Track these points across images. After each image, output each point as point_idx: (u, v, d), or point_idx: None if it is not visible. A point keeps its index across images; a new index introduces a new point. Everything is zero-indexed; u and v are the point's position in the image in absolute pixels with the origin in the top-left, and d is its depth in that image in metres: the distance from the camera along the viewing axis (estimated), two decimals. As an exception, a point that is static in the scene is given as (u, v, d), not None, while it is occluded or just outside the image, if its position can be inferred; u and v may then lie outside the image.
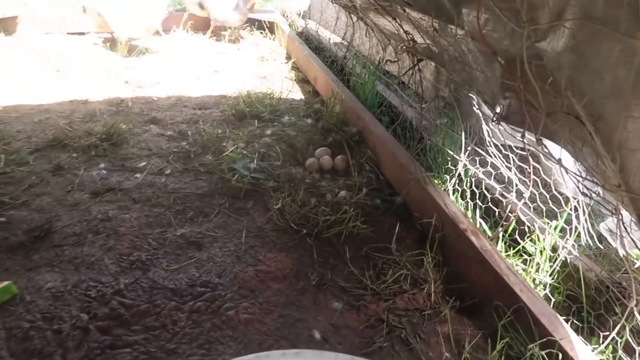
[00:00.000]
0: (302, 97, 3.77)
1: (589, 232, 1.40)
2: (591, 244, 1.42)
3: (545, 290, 1.57)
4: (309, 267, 1.89)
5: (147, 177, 2.46)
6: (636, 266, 1.17)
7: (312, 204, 2.18)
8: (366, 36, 3.23)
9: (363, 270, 1.89)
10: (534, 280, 1.64)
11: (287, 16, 5.87)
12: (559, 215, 1.57)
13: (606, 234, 1.37)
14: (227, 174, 2.44)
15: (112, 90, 3.67)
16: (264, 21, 5.61)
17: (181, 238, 2.02)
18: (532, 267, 1.68)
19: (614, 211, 1.12)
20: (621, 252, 1.19)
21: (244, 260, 1.91)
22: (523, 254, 1.80)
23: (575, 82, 1.01)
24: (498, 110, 1.62)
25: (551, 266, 1.55)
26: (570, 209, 1.48)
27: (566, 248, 1.48)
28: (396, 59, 2.66)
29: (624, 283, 1.47)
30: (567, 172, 1.20)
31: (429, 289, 1.77)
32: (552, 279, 1.56)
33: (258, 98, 3.38)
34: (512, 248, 1.84)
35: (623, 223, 1.11)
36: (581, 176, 1.13)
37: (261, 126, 3.09)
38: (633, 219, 1.00)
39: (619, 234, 1.04)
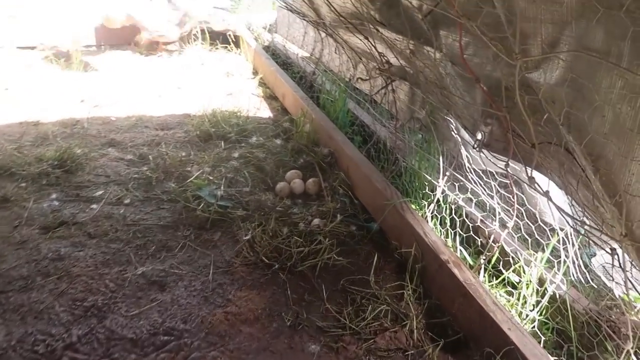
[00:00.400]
0: (271, 115, 3.64)
1: (579, 267, 1.33)
2: (582, 280, 1.35)
3: (533, 325, 1.49)
4: (282, 306, 1.76)
5: (104, 207, 2.28)
6: (637, 309, 1.11)
7: (284, 234, 2.05)
8: (336, 52, 3.14)
9: (341, 306, 1.77)
10: (520, 314, 1.56)
11: (252, 30, 5.73)
12: (545, 246, 1.50)
13: (600, 273, 1.31)
14: (192, 203, 2.28)
15: (67, 110, 3.45)
16: (229, 35, 5.45)
17: (142, 277, 1.85)
18: (518, 300, 1.60)
19: (609, 251, 1.04)
20: (617, 293, 1.11)
21: (211, 300, 1.76)
22: (507, 284, 1.73)
23: (572, 118, 0.93)
24: (479, 136, 1.54)
25: (538, 301, 1.48)
26: (557, 241, 1.41)
27: (554, 282, 1.41)
28: (368, 77, 2.57)
29: (614, 316, 1.40)
30: (558, 211, 1.12)
31: (411, 325, 1.67)
32: (540, 314, 1.48)
33: (224, 117, 3.24)
34: (495, 278, 1.76)
35: (621, 264, 1.03)
36: (575, 218, 1.05)
37: (228, 148, 2.94)
38: (635, 265, 0.92)
39: (622, 277, 0.96)
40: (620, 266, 1.00)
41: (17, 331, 1.56)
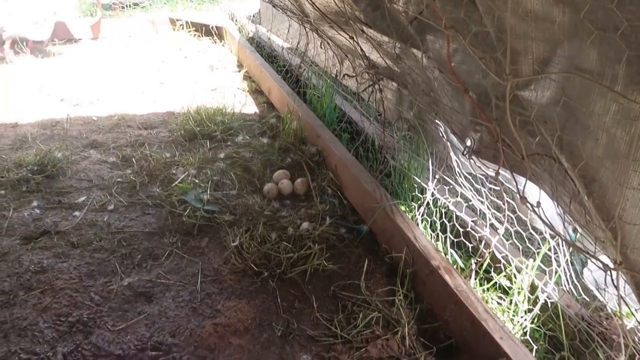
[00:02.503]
0: (257, 110, 3.58)
1: (570, 277, 1.33)
2: (574, 291, 1.34)
3: (525, 334, 1.48)
4: (272, 315, 1.74)
5: (87, 215, 2.22)
6: (628, 327, 1.10)
7: (272, 239, 2.02)
8: (321, 47, 3.08)
9: (332, 313, 1.75)
10: (512, 320, 1.56)
11: (236, 20, 5.61)
12: (536, 254, 1.49)
13: (592, 286, 1.30)
14: (177, 208, 2.24)
15: (46, 109, 3.35)
16: (212, 27, 5.33)
17: (128, 289, 1.81)
18: (510, 305, 1.60)
19: (602, 267, 1.03)
20: (610, 309, 1.11)
21: (200, 312, 1.73)
22: (498, 289, 1.72)
23: (565, 138, 0.90)
24: (468, 143, 1.51)
25: (530, 309, 1.47)
26: (548, 249, 1.40)
27: (546, 292, 1.40)
28: (354, 74, 2.52)
29: (605, 322, 1.40)
30: (549, 228, 1.10)
31: (402, 331, 1.66)
32: (532, 321, 1.48)
33: (209, 115, 3.17)
34: (487, 281, 1.76)
35: (613, 279, 1.02)
36: (571, 243, 1.03)
37: (214, 147, 2.88)
38: (631, 288, 0.91)
39: (617, 293, 0.95)
40: (613, 283, 0.98)
41: (-1, 350, 1.53)
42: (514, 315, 1.57)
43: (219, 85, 4.02)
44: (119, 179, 2.51)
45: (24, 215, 2.19)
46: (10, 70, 4.07)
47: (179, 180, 2.44)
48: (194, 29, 5.60)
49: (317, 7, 2.03)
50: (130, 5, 6.63)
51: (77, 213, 2.23)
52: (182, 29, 5.65)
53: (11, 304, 1.71)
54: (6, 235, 2.05)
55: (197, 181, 2.46)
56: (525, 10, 0.83)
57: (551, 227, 1.05)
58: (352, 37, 2.01)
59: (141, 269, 1.92)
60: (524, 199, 1.09)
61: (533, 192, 1.27)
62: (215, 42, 5.38)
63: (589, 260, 1.36)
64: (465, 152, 1.50)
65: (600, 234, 0.94)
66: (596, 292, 1.25)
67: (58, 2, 4.67)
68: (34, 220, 2.16)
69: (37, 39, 4.42)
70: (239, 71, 4.39)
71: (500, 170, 1.37)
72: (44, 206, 2.27)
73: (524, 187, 1.12)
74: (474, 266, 1.71)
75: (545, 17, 0.82)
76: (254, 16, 5.60)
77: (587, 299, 1.37)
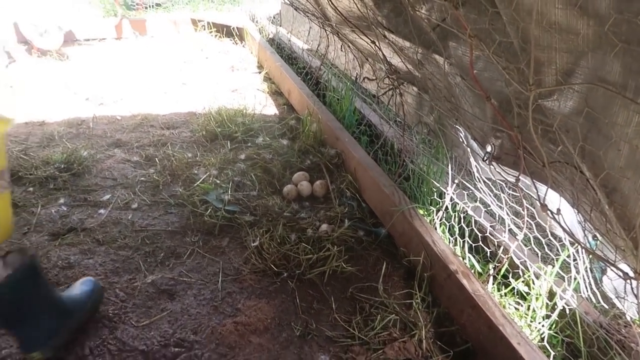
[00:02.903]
0: (277, 112, 3.62)
1: (589, 285, 1.33)
2: (592, 298, 1.34)
3: (542, 340, 1.49)
4: (291, 315, 1.77)
5: (112, 212, 2.28)
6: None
7: (292, 240, 2.05)
8: (342, 50, 3.10)
9: (350, 315, 1.78)
10: (529, 325, 1.56)
11: (256, 21, 5.67)
12: (555, 260, 1.49)
13: (611, 294, 1.30)
14: (199, 207, 2.28)
15: (72, 108, 3.44)
16: (233, 27, 5.40)
17: (151, 286, 1.86)
18: (527, 311, 1.60)
19: (623, 276, 1.03)
20: (629, 317, 1.11)
21: (221, 310, 1.77)
22: (516, 294, 1.73)
23: (586, 149, 0.91)
24: (489, 149, 1.52)
25: (548, 315, 1.47)
26: (567, 256, 1.40)
27: (564, 298, 1.40)
28: (374, 78, 2.54)
29: (623, 330, 1.40)
30: (569, 235, 1.11)
31: (419, 334, 1.67)
32: (550, 328, 1.48)
33: (229, 116, 3.22)
34: (505, 286, 1.76)
35: (633, 288, 1.02)
36: (590, 251, 1.04)
37: (234, 148, 2.92)
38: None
39: (637, 302, 0.96)
40: (633, 292, 0.99)
41: (29, 343, 1.58)
42: (531, 321, 1.57)
43: (240, 86, 4.07)
44: (142, 178, 2.57)
45: (51, 212, 2.26)
46: (37, 69, 4.18)
47: (201, 180, 2.49)
48: (215, 29, 5.67)
49: (339, 11, 2.05)
50: (152, 6, 6.74)
51: (102, 211, 2.29)
52: (204, 29, 5.73)
53: (40, 298, 1.77)
54: (35, 231, 2.12)
55: (218, 181, 2.50)
56: (549, 22, 0.84)
57: (571, 234, 1.05)
58: (373, 42, 2.03)
59: (164, 267, 1.97)
60: (544, 206, 1.10)
61: (553, 199, 1.28)
62: (236, 43, 5.45)
63: (608, 268, 1.36)
64: (485, 158, 1.51)
65: (620, 242, 0.95)
66: (615, 300, 1.26)
67: (63, 13, 4.78)
68: (60, 217, 2.23)
69: (45, 48, 4.55)
70: (259, 72, 4.44)
71: (520, 177, 1.38)
72: (70, 203, 2.34)
73: (545, 194, 1.13)
74: (491, 271, 1.72)
75: (570, 29, 0.83)
76: (274, 17, 5.65)
77: (606, 307, 1.37)
